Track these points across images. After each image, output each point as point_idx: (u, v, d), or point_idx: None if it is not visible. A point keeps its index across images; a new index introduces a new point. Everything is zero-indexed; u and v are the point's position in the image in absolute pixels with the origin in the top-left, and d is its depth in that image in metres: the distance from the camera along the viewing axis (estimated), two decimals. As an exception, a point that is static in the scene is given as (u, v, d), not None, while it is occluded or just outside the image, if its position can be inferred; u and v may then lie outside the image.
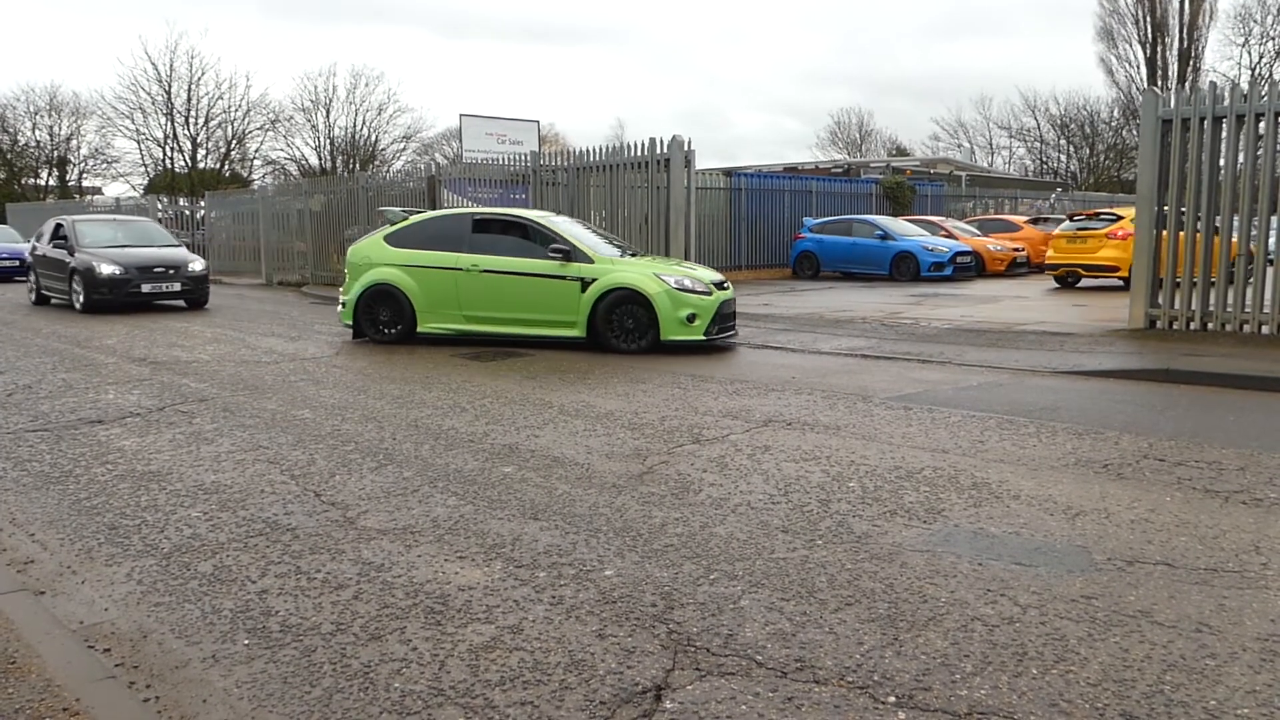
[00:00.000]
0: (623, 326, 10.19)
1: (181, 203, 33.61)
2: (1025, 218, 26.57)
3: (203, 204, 30.72)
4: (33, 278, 17.28)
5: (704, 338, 10.12)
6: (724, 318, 10.45)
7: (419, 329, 10.90)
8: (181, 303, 16.11)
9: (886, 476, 5.07)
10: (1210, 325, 10.22)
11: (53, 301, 16.85)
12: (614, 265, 10.41)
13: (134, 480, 5.19)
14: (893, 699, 2.73)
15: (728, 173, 25.73)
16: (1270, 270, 10.16)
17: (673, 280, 10.14)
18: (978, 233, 23.38)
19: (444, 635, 3.20)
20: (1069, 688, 2.78)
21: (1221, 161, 10.17)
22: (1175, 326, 10.45)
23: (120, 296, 15.09)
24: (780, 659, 2.99)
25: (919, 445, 5.79)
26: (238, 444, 6.03)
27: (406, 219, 11.30)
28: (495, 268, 10.61)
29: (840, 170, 37.93)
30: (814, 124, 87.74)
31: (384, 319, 11.01)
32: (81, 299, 15.10)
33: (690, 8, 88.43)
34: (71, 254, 15.52)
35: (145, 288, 15.33)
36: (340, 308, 11.45)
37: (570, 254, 10.34)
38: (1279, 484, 4.88)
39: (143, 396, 7.73)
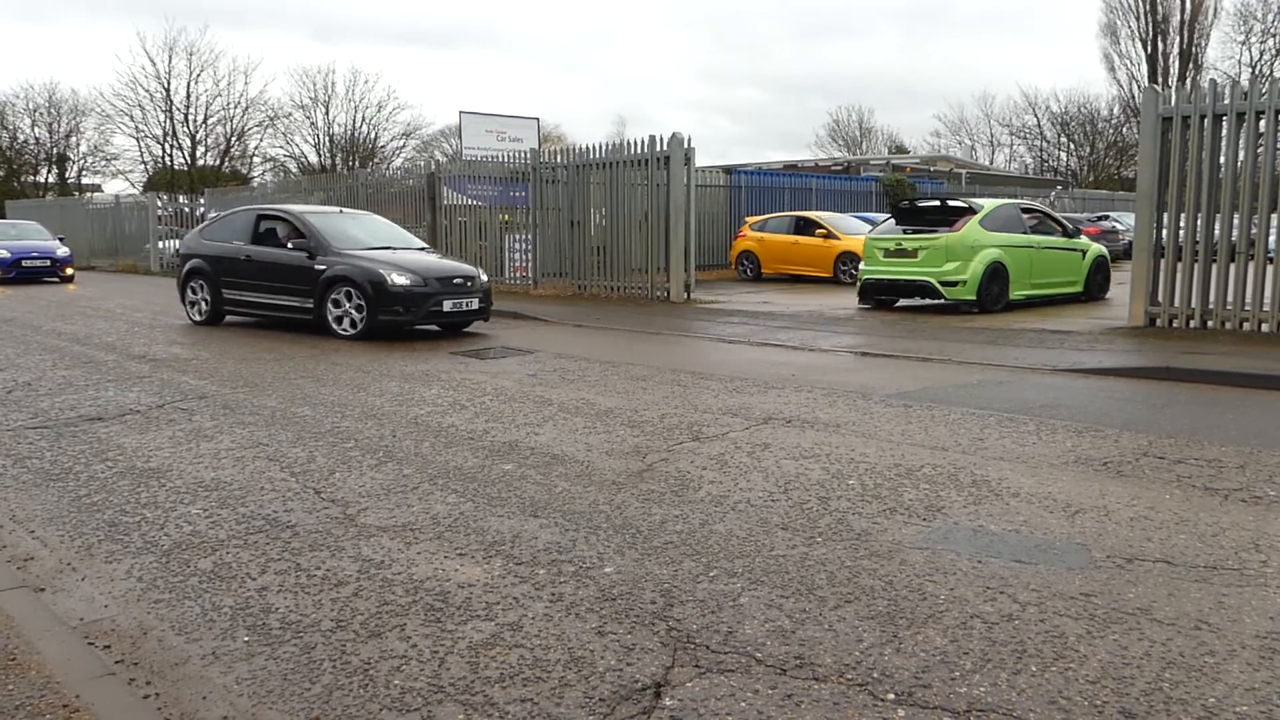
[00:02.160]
0: None
1: (181, 200, 33.59)
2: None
3: (202, 201, 30.70)
4: (199, 287, 13.02)
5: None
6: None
7: (1010, 296, 13.25)
8: (480, 322, 12.39)
9: (886, 474, 5.07)
10: (1210, 323, 10.22)
11: (228, 320, 13.13)
12: None
13: (134, 477, 5.19)
14: (892, 696, 2.74)
15: (727, 170, 25.73)
16: (1270, 268, 10.15)
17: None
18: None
19: (444, 632, 3.20)
20: (1068, 685, 2.79)
21: (1222, 159, 10.17)
22: (1175, 324, 10.46)
23: (419, 316, 11.23)
24: (780, 656, 2.99)
25: (919, 443, 5.79)
26: (237, 441, 6.03)
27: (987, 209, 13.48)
28: (1046, 245, 13.86)
29: (840, 168, 37.95)
30: (746, 123, 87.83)
31: (995, 290, 13.09)
32: (359, 320, 11.17)
33: (549, 9, 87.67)
34: (315, 256, 11.62)
35: (447, 305, 11.41)
36: (962, 284, 12.87)
37: None
38: (1278, 482, 4.88)
39: (142, 394, 7.73)
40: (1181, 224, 10.38)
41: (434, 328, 11.88)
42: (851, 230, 20.10)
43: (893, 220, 14.19)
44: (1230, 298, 10.07)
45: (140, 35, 65.35)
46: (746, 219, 22.31)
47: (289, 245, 12.02)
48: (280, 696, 2.80)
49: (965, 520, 4.29)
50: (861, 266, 14.19)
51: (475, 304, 11.73)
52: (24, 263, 23.22)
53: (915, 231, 13.40)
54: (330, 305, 11.38)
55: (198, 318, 13.03)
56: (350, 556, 3.94)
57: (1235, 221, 10.11)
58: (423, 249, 12.94)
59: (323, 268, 11.50)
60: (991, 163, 59.02)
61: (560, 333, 12.19)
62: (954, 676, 2.85)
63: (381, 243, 12.33)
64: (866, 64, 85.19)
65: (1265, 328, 9.83)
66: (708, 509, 4.50)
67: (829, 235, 19.89)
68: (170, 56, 48.66)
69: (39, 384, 8.24)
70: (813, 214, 21.10)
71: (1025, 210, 14.45)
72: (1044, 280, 13.82)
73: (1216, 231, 10.15)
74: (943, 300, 13.22)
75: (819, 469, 5.19)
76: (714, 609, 3.35)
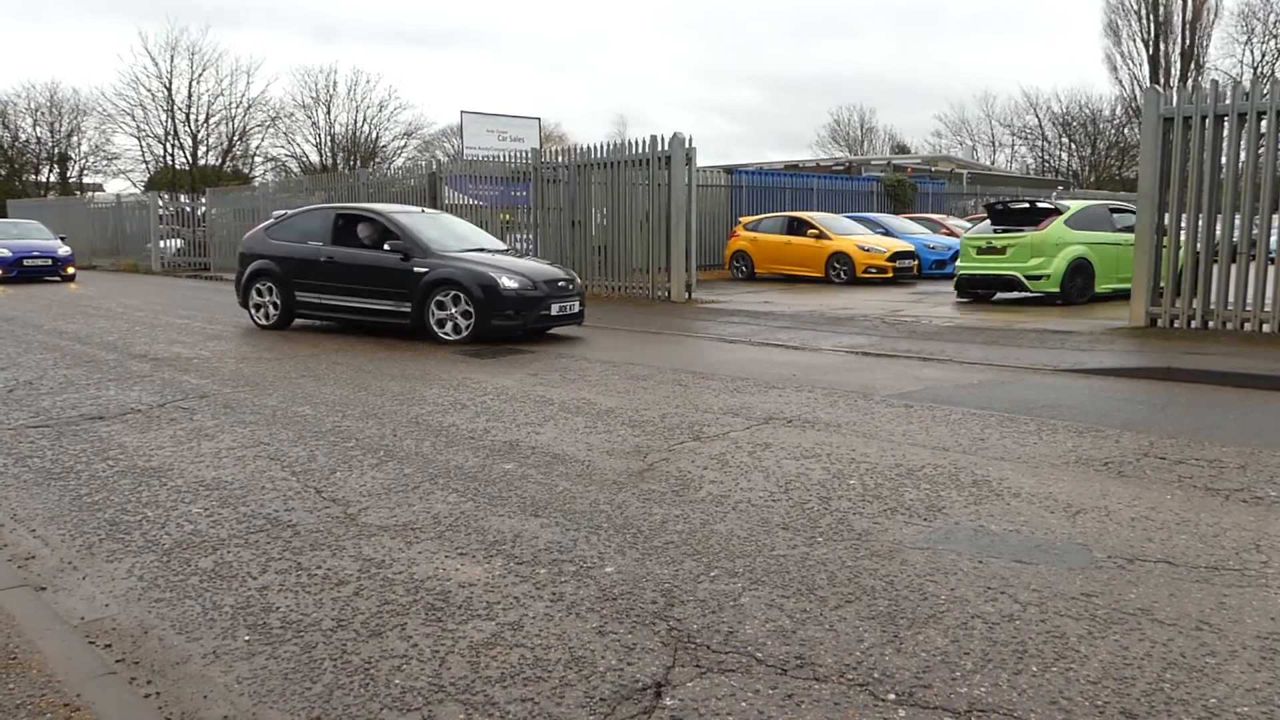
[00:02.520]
0: None
1: (182, 199, 33.61)
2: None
3: (203, 200, 30.72)
4: (267, 289, 12.31)
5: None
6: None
7: (1096, 289, 14.17)
8: (574, 328, 11.96)
9: (887, 474, 5.07)
10: (1211, 323, 10.21)
11: (298, 323, 12.47)
12: None
13: (135, 476, 5.20)
14: (893, 696, 2.74)
15: (728, 170, 25.73)
16: (1271, 269, 10.15)
17: None
18: (979, 230, 23.34)
19: (444, 632, 3.20)
20: (1069, 685, 2.79)
21: (1224, 160, 10.16)
22: (1176, 325, 10.45)
23: (529, 320, 10.92)
24: (780, 656, 2.99)
25: (920, 443, 5.79)
26: (238, 440, 6.03)
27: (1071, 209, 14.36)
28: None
29: (841, 168, 37.95)
30: (744, 123, 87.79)
31: (1079, 282, 14.02)
32: (465, 325, 10.79)
33: (544, 10, 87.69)
34: (411, 258, 11.12)
35: (554, 308, 11.13)
36: (1045, 278, 13.74)
37: None
38: (1279, 482, 4.89)
39: (144, 393, 7.73)
40: (1183, 224, 10.37)
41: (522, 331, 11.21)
42: (842, 230, 20.09)
43: (988, 220, 15.14)
44: (1231, 298, 10.06)
45: (142, 35, 65.43)
46: (740, 219, 22.30)
47: (384, 247, 11.44)
48: (281, 695, 2.81)
49: (966, 520, 4.29)
50: (958, 263, 15.38)
51: (576, 307, 11.43)
52: (25, 262, 23.18)
53: (1005, 231, 14.26)
54: (433, 309, 10.94)
55: (264, 321, 12.28)
56: (351, 556, 3.94)
57: (1237, 222, 10.11)
58: (506, 250, 12.49)
59: (424, 270, 11.00)
60: (993, 163, 59.00)
61: (561, 332, 12.19)
62: (955, 677, 2.85)
63: (471, 244, 11.96)
64: (865, 64, 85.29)
65: (1266, 328, 9.82)
66: (709, 509, 4.50)
67: (820, 235, 19.85)
68: (172, 56, 48.67)
69: (40, 383, 8.25)
70: (805, 214, 21.06)
71: (1115, 210, 15.01)
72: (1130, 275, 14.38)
73: (1218, 232, 10.15)
74: (1030, 293, 13.94)
75: (820, 469, 5.19)
76: (715, 609, 3.35)
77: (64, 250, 24.30)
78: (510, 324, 10.78)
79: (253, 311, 12.52)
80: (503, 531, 4.21)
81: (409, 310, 11.11)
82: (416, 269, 11.08)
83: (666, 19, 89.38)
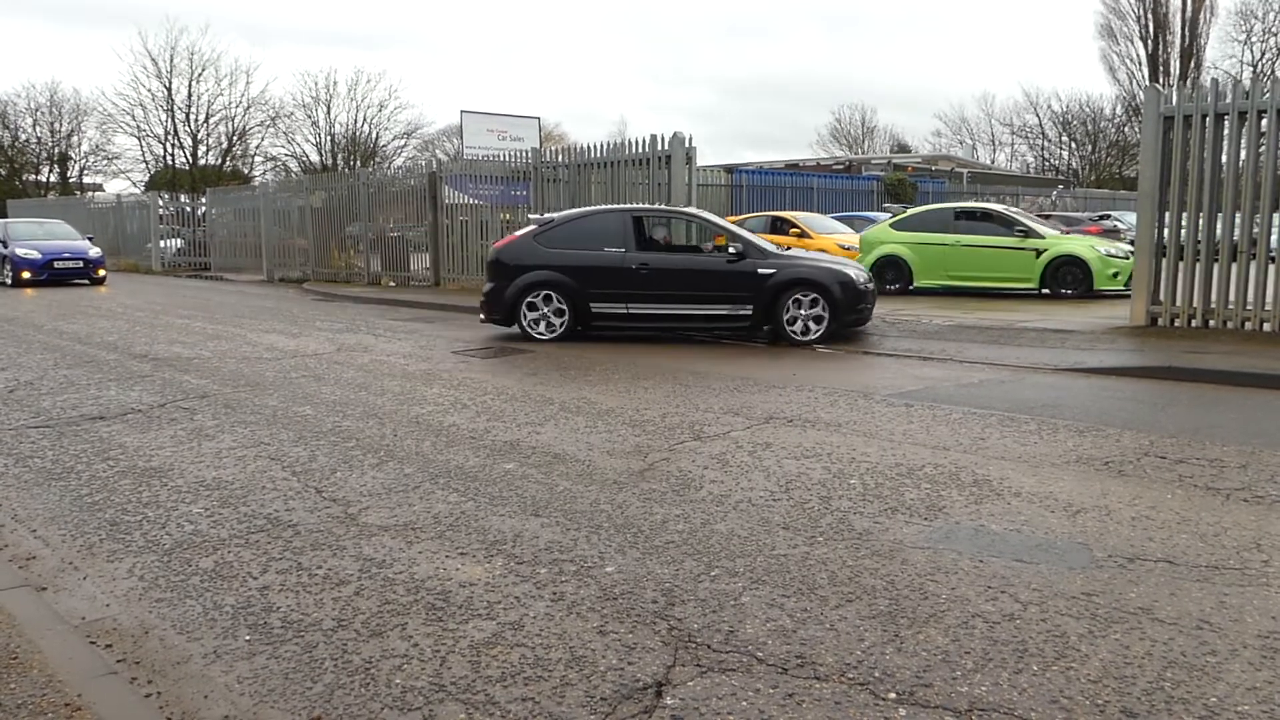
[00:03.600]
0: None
1: (183, 199, 33.63)
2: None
3: (204, 200, 30.73)
4: (549, 299, 11.09)
5: None
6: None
7: (913, 285, 15.90)
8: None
9: (887, 473, 5.07)
10: (1212, 322, 10.21)
11: (537, 336, 11.03)
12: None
13: (135, 476, 5.20)
14: (893, 695, 2.74)
15: (729, 169, 25.74)
16: (1272, 267, 10.14)
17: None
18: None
19: (445, 631, 3.20)
20: (1070, 684, 2.79)
21: (1224, 158, 10.15)
22: (1177, 324, 10.44)
23: (867, 317, 10.98)
24: (781, 655, 2.99)
25: (920, 442, 5.79)
26: (239, 440, 6.03)
27: (905, 211, 16.31)
28: (973, 243, 15.45)
29: (842, 167, 37.94)
30: (707, 124, 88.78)
31: (889, 276, 15.83)
32: (817, 326, 10.38)
33: (482, 13, 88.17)
34: (745, 258, 10.58)
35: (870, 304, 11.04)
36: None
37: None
38: (1280, 481, 4.88)
39: (144, 393, 7.73)
40: (1183, 223, 10.37)
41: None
42: (825, 230, 19.95)
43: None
44: (1232, 297, 10.06)
45: (141, 34, 65.24)
46: (727, 219, 22.28)
47: (718, 250, 11.02)
48: (282, 695, 2.81)
49: (967, 520, 4.29)
50: None
51: (871, 305, 11.13)
52: (56, 264, 22.23)
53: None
54: (789, 307, 10.45)
55: (546, 334, 11.11)
56: (352, 556, 3.94)
57: (1237, 220, 10.10)
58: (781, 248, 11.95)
59: (770, 271, 10.48)
60: (993, 162, 59.02)
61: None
62: (955, 676, 2.85)
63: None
64: (866, 62, 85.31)
65: (1267, 327, 9.82)
66: (709, 508, 4.50)
67: (802, 234, 19.79)
68: (171, 56, 48.63)
69: (41, 383, 8.25)
70: (787, 213, 20.92)
71: (963, 214, 16.25)
72: (966, 273, 15.59)
73: (1219, 231, 10.14)
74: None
75: (820, 468, 5.19)
76: (715, 608, 3.35)
77: (94, 251, 23.23)
78: (861, 319, 10.84)
79: (527, 326, 11.20)
80: (503, 531, 4.21)
81: (749, 313, 10.56)
82: (762, 270, 10.52)
83: (599, 21, 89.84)
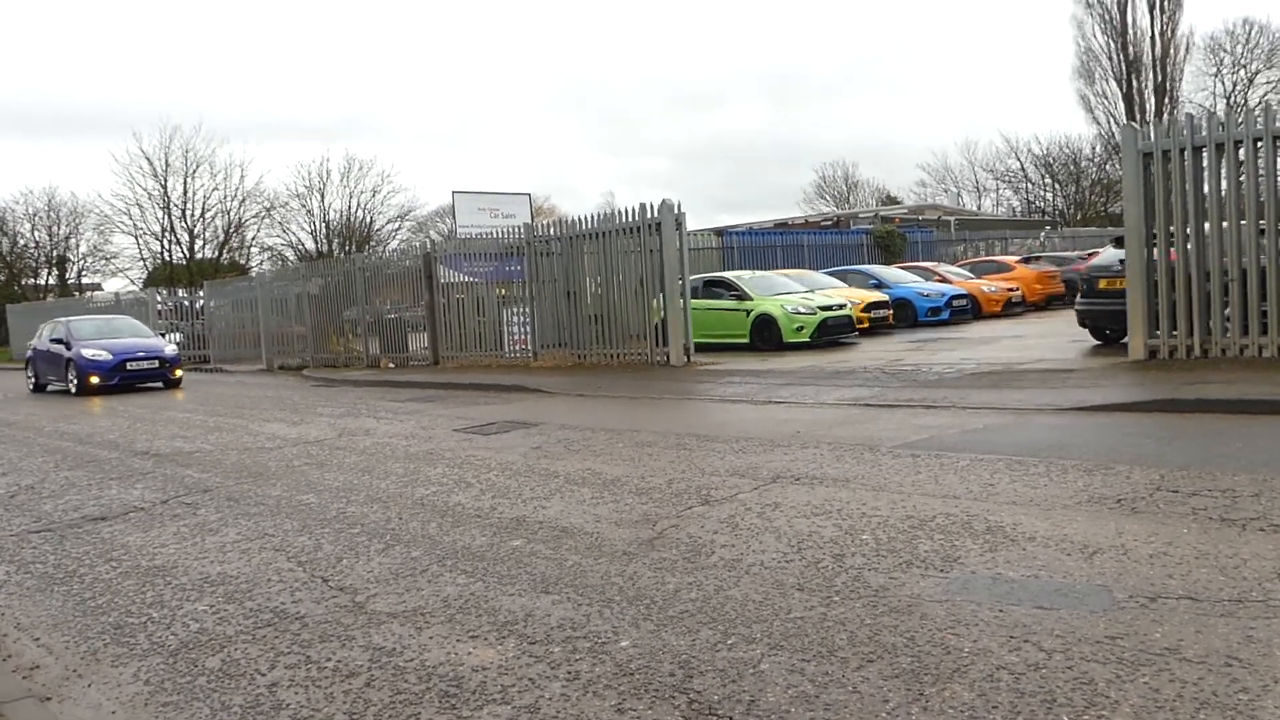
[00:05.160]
0: None
1: (180, 293, 33.91)
2: (1017, 257, 26.80)
3: (201, 293, 30.98)
4: None
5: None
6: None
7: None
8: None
9: (899, 526, 5.01)
10: (1210, 352, 10.21)
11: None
12: None
13: (139, 577, 5.13)
14: (922, 757, 2.66)
15: (719, 232, 25.99)
16: (1266, 292, 10.16)
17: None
18: (971, 275, 23.54)
19: (460, 719, 3.13)
20: (1102, 734, 2.71)
21: (1205, 189, 10.26)
22: (1176, 356, 10.44)
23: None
24: (804, 722, 2.91)
25: (929, 493, 5.74)
26: (243, 533, 5.98)
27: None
28: (711, 307, 17.69)
29: (830, 222, 38.32)
30: (669, 190, 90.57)
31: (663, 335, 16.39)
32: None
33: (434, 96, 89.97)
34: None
35: None
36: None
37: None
38: (1296, 509, 4.82)
39: (146, 490, 7.68)
40: (1172, 255, 10.43)
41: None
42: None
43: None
44: (1228, 325, 10.07)
45: (136, 135, 66.52)
46: None
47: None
48: (294, 797, 2.73)
49: (983, 569, 4.23)
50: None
51: None
52: (129, 365, 19.07)
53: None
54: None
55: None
56: (361, 645, 3.87)
57: (1226, 249, 10.16)
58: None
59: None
60: (979, 208, 59.64)
61: (563, 403, 12.18)
62: (984, 733, 2.77)
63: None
64: (842, 120, 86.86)
65: (1266, 353, 9.81)
66: (721, 574, 4.43)
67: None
68: (167, 155, 49.45)
69: (42, 486, 8.20)
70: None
71: (710, 283, 18.36)
72: (710, 331, 17.42)
73: (1209, 261, 10.20)
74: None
75: (831, 526, 5.13)
76: (734, 678, 3.28)
77: (170, 349, 20.25)
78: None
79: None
80: (514, 611, 4.15)
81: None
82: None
83: (544, 96, 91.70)
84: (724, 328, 17.54)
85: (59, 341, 20.03)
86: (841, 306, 17.83)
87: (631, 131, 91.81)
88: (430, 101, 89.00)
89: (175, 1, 78.06)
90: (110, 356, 19.01)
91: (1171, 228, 10.38)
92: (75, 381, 19.14)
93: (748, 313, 17.54)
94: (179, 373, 19.84)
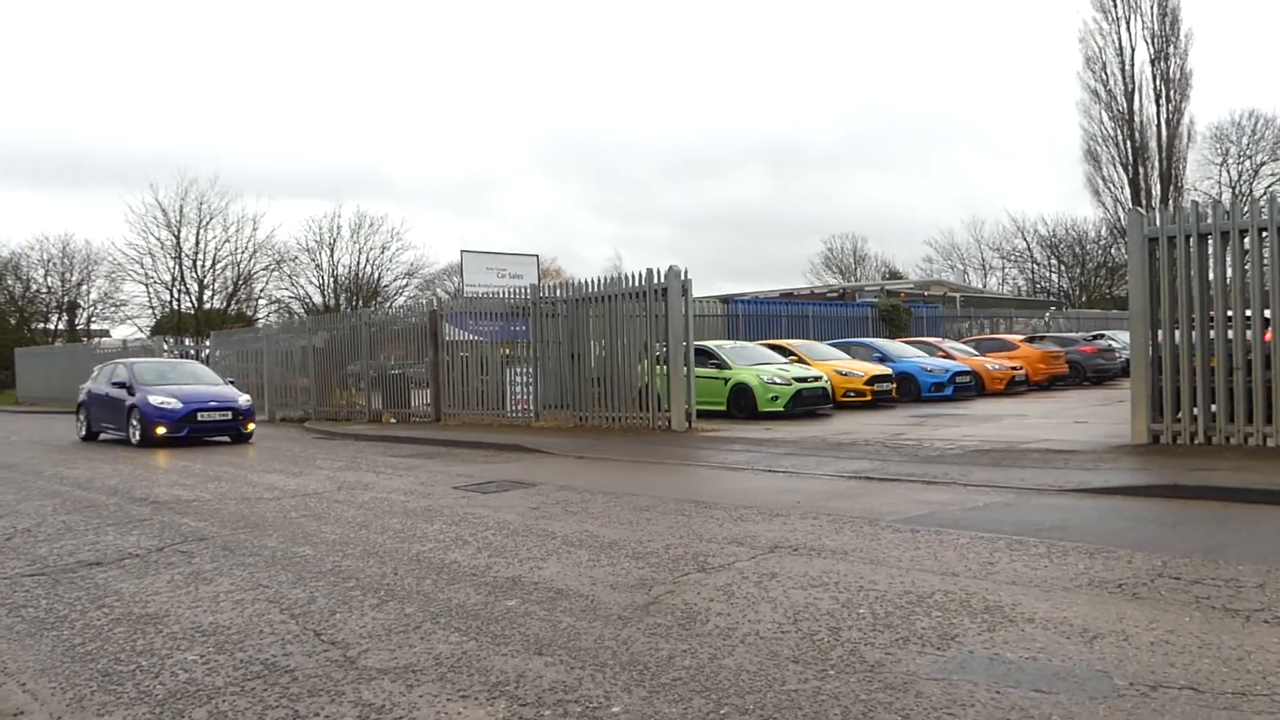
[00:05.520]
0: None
1: (187, 342, 34.10)
2: (1021, 336, 26.92)
3: (207, 343, 31.15)
4: None
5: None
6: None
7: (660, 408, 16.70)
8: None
9: (897, 602, 4.97)
10: (1214, 439, 10.19)
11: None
12: None
13: (130, 624, 5.09)
14: (916, 840, 2.61)
15: (724, 300, 26.19)
16: (1270, 381, 10.18)
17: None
18: (975, 352, 23.60)
19: (446, 781, 3.08)
20: (1100, 823, 2.66)
21: (1210, 276, 10.34)
22: (1179, 441, 10.42)
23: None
24: (796, 799, 2.86)
25: (928, 569, 5.69)
26: (237, 583, 5.93)
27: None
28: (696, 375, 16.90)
29: (836, 294, 38.62)
30: (672, 257, 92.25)
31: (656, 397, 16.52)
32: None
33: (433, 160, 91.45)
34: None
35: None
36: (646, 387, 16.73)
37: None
38: (1299, 600, 4.77)
39: (142, 537, 7.64)
40: (1177, 340, 10.47)
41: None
42: (749, 360, 18.48)
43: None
44: (1234, 413, 10.06)
45: (153, 186, 67.65)
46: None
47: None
48: None
49: (980, 648, 4.18)
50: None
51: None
52: (200, 416, 16.86)
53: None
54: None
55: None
56: (350, 701, 3.82)
57: (1230, 336, 10.20)
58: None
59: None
60: (984, 285, 60.07)
61: (562, 464, 12.15)
62: (980, 817, 2.72)
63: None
64: (850, 195, 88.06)
65: (1271, 442, 9.79)
66: (716, 643, 4.39)
67: (799, 360, 19.25)
68: (181, 206, 50.15)
69: (38, 529, 8.16)
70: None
71: (699, 351, 17.67)
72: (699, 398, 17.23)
73: (1214, 347, 10.23)
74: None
75: (828, 598, 5.08)
76: (726, 749, 3.22)
77: (244, 399, 17.92)
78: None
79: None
80: (506, 671, 4.10)
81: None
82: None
83: (548, 166, 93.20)
84: (703, 394, 17.40)
85: (121, 385, 17.65)
86: (818, 378, 18.11)
87: (637, 198, 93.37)
88: (441, 163, 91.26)
89: (198, 59, 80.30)
90: (180, 405, 16.77)
91: (1176, 314, 10.45)
92: (138, 430, 16.90)
93: (725, 381, 17.87)
94: (251, 426, 17.62)
